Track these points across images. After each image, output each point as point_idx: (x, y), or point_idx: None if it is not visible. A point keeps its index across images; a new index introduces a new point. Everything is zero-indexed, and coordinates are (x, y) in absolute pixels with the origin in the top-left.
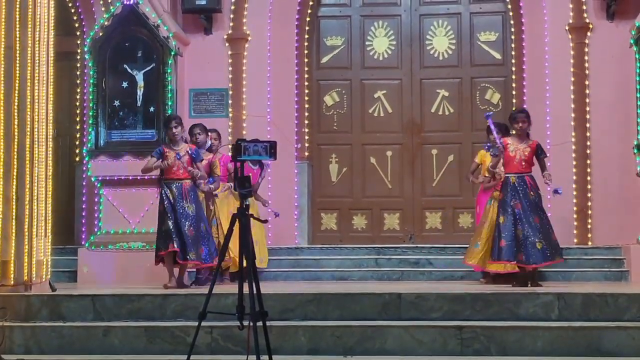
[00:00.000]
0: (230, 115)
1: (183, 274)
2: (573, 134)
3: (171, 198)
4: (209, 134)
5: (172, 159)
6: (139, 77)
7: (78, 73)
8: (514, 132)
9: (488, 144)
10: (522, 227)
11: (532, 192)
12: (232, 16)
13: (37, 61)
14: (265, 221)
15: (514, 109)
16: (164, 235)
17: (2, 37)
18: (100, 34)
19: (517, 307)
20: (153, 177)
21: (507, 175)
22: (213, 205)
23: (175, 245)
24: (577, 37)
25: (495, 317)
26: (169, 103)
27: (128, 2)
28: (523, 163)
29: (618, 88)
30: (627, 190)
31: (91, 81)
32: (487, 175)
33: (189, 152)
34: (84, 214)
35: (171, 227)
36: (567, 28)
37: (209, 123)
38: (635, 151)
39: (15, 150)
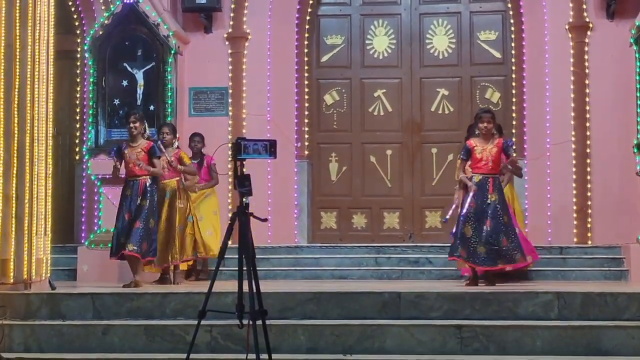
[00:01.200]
0: (230, 114)
1: (139, 269)
2: (573, 133)
3: (128, 196)
4: (162, 128)
5: (131, 158)
6: (139, 75)
7: (78, 72)
8: (477, 132)
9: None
10: (471, 227)
11: (492, 196)
12: (232, 15)
13: (37, 60)
14: (265, 219)
15: (513, 107)
16: (115, 239)
17: (2, 35)
18: (100, 33)
19: (517, 306)
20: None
21: (472, 175)
22: (188, 201)
23: (128, 250)
24: (577, 36)
25: (495, 317)
26: (169, 102)
27: (128, 1)
28: (490, 164)
29: (618, 87)
30: (627, 189)
31: (91, 80)
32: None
33: (145, 149)
34: (83, 212)
35: (121, 231)
36: (567, 27)
37: (208, 122)
38: (635, 150)
39: (15, 148)
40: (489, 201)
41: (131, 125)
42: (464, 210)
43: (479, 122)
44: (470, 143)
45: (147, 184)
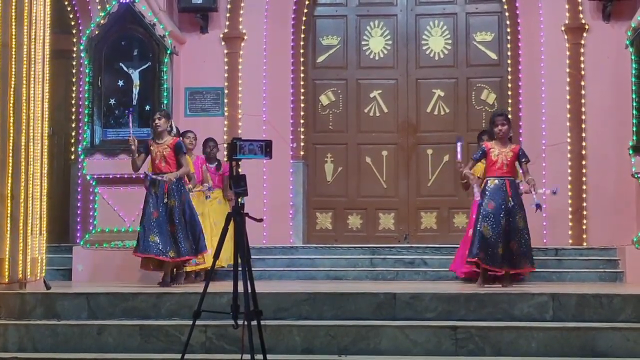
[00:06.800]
0: (226, 114)
1: (167, 272)
2: (568, 134)
3: (153, 193)
4: (188, 134)
5: (154, 154)
6: (135, 75)
7: (74, 71)
8: (495, 135)
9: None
10: (490, 227)
11: (509, 197)
12: (228, 15)
13: (33, 59)
14: (261, 220)
15: (509, 108)
16: (142, 237)
17: None
18: (97, 32)
19: (512, 308)
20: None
21: (487, 178)
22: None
23: (142, 251)
24: (573, 37)
25: (490, 318)
26: (165, 102)
27: (124, 1)
28: (504, 167)
29: (614, 89)
30: (622, 191)
31: (87, 79)
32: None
33: (171, 145)
34: (79, 212)
35: (145, 228)
36: (563, 29)
37: (204, 122)
38: (631, 152)
39: (11, 148)
40: (509, 204)
41: (156, 122)
42: (482, 211)
43: (493, 126)
44: (487, 145)
45: (172, 183)
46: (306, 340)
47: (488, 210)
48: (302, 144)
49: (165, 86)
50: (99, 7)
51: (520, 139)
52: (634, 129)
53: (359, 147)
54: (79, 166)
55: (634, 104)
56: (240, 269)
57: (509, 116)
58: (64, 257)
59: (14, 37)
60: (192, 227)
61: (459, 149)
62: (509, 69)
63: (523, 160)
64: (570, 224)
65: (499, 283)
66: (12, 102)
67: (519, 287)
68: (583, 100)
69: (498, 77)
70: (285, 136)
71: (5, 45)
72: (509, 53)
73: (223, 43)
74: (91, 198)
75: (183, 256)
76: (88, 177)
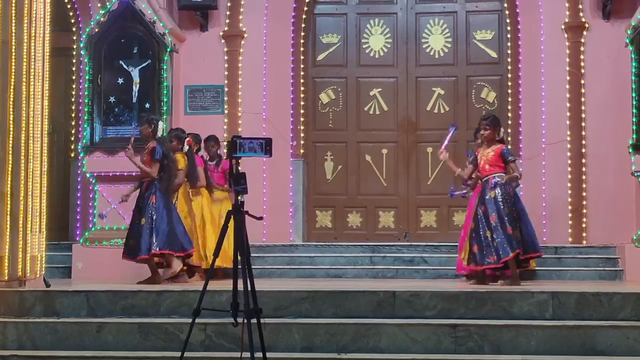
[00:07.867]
0: (226, 112)
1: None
2: (568, 132)
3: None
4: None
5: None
6: (135, 73)
7: (74, 69)
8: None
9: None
10: (490, 230)
11: (493, 191)
12: (228, 13)
13: (33, 57)
14: (260, 218)
15: (509, 107)
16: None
17: None
18: (96, 30)
19: (511, 306)
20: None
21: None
22: (176, 200)
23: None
24: (573, 36)
25: (489, 316)
26: (165, 99)
27: None
28: (487, 166)
29: (614, 87)
30: (622, 189)
31: (87, 77)
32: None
33: (149, 150)
34: (78, 209)
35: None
36: (563, 27)
37: (204, 120)
38: (630, 150)
39: (10, 145)
40: (487, 196)
41: (139, 129)
42: (476, 221)
43: (479, 131)
44: (478, 151)
45: (148, 184)
46: (306, 339)
47: (480, 213)
48: (302, 142)
49: (165, 84)
50: (99, 5)
51: (520, 137)
52: (634, 127)
53: (358, 145)
54: (79, 164)
55: (634, 102)
56: (240, 267)
57: (498, 118)
58: (64, 254)
59: (13, 34)
60: (157, 227)
61: (449, 135)
62: (509, 68)
63: (508, 159)
64: (570, 222)
65: (498, 280)
66: (12, 99)
67: (519, 286)
68: (583, 99)
69: (498, 76)
70: (285, 134)
71: (5, 43)
72: (509, 51)
73: (223, 41)
74: (91, 196)
75: (127, 256)
76: (88, 175)
